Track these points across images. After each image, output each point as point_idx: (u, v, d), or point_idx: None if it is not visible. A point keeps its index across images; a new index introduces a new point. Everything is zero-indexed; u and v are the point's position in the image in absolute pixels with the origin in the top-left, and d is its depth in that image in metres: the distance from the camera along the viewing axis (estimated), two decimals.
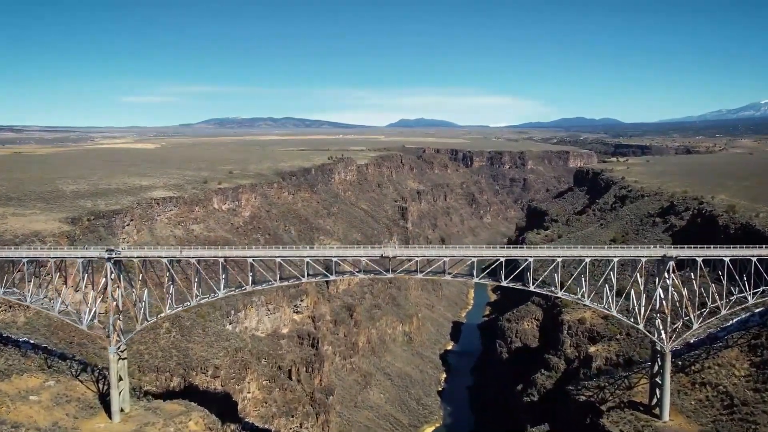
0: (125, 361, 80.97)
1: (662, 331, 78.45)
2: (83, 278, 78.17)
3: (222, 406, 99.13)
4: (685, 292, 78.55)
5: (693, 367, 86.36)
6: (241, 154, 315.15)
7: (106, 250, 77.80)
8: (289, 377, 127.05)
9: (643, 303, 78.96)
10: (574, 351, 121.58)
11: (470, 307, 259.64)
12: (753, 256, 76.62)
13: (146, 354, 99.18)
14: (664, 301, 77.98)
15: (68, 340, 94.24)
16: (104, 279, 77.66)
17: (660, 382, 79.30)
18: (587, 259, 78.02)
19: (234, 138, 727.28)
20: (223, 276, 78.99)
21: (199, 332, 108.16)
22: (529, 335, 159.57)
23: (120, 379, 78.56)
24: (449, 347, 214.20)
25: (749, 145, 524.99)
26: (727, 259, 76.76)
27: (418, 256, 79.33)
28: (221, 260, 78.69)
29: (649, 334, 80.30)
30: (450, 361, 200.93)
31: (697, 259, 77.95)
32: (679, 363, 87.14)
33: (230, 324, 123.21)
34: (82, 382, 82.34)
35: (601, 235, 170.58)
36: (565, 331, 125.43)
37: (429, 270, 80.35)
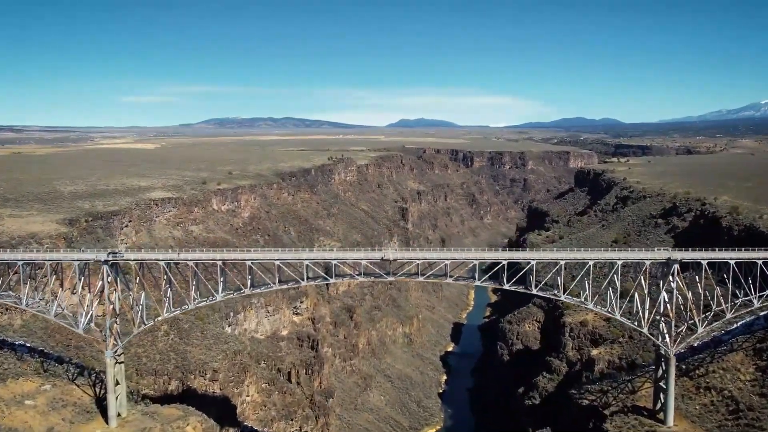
0: (122, 365, 79.96)
1: (666, 335, 77.46)
2: (80, 281, 77.16)
3: (221, 409, 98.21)
4: (689, 295, 77.52)
5: (697, 371, 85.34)
6: (241, 155, 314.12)
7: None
8: (289, 380, 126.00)
9: (647, 306, 77.92)
10: (576, 353, 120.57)
11: (471, 308, 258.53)
12: (759, 258, 75.60)
13: (144, 357, 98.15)
14: (668, 305, 76.97)
15: (65, 343, 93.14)
16: (101, 282, 76.62)
17: (664, 386, 78.29)
18: (590, 262, 76.93)
19: (234, 138, 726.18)
20: (222, 279, 77.99)
21: (197, 335, 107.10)
22: (530, 337, 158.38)
23: (117, 383, 77.53)
24: (450, 349, 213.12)
25: (750, 145, 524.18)
26: (732, 262, 75.74)
27: (419, 259, 78.28)
28: (219, 263, 77.65)
29: (653, 338, 79.28)
30: (450, 363, 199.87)
31: (702, 261, 76.91)
32: (683, 367, 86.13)
33: (229, 326, 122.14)
34: (78, 386, 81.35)
35: (602, 236, 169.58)
36: (567, 334, 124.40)
37: (430, 273, 79.30)
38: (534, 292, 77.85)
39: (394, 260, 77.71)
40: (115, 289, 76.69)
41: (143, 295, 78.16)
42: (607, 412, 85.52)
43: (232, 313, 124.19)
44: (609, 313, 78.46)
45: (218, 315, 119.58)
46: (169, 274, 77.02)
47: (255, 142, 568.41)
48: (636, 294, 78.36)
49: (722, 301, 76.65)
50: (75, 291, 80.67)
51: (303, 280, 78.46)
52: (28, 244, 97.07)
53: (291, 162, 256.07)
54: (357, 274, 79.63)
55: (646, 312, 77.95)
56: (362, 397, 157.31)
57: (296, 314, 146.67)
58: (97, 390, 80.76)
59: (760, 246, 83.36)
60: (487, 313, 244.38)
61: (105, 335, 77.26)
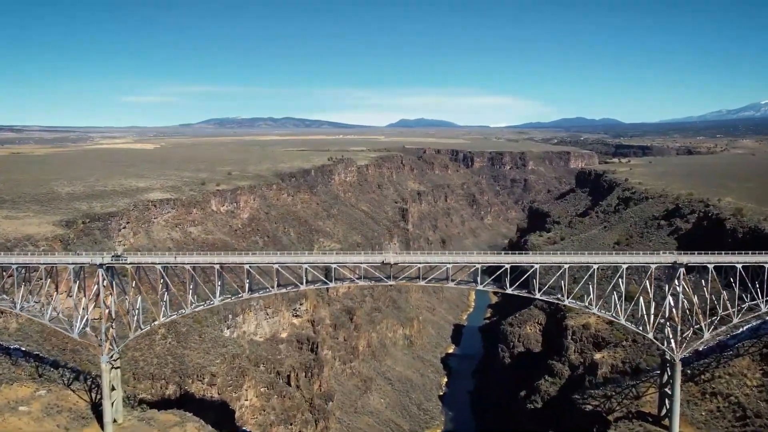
0: (118, 370, 78.66)
1: (672, 340, 76.13)
2: (75, 285, 75.82)
3: (219, 414, 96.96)
4: (695, 299, 76.20)
5: (703, 377, 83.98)
6: (241, 155, 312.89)
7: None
8: (288, 383, 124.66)
9: (652, 311, 76.58)
10: (579, 357, 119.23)
11: (471, 309, 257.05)
12: (766, 263, 74.24)
13: (141, 361, 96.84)
14: (674, 309, 75.63)
15: (61, 347, 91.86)
16: (96, 286, 75.28)
17: (669, 392, 76.98)
18: (595, 266, 75.57)
19: (234, 138, 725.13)
20: (219, 282, 76.60)
21: (195, 338, 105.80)
22: (532, 339, 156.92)
23: (113, 389, 76.29)
24: (450, 350, 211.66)
25: (750, 145, 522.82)
26: (739, 266, 74.39)
27: (420, 263, 76.92)
28: (217, 267, 76.26)
29: (658, 343, 77.94)
30: (451, 365, 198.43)
31: (709, 265, 75.55)
32: (688, 372, 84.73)
33: (228, 329, 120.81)
34: (74, 391, 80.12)
35: (604, 237, 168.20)
36: (569, 337, 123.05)
37: (432, 277, 77.89)
38: (537, 296, 76.43)
39: (395, 264, 76.36)
40: (111, 293, 75.39)
41: (139, 299, 76.79)
42: (611, 417, 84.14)
43: (230, 316, 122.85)
44: (614, 317, 77.09)
45: (217, 318, 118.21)
46: (166, 278, 75.67)
47: (255, 142, 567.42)
48: (641, 298, 76.99)
49: (729, 305, 75.31)
50: (71, 294, 79.36)
51: (302, 284, 77.03)
52: (24, 247, 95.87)
53: (291, 162, 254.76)
54: (357, 278, 78.14)
55: (651, 316, 76.63)
56: (362, 400, 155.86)
57: (296, 316, 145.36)
58: (93, 395, 79.49)
59: (766, 249, 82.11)
60: (488, 315, 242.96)
61: (101, 340, 75.95)
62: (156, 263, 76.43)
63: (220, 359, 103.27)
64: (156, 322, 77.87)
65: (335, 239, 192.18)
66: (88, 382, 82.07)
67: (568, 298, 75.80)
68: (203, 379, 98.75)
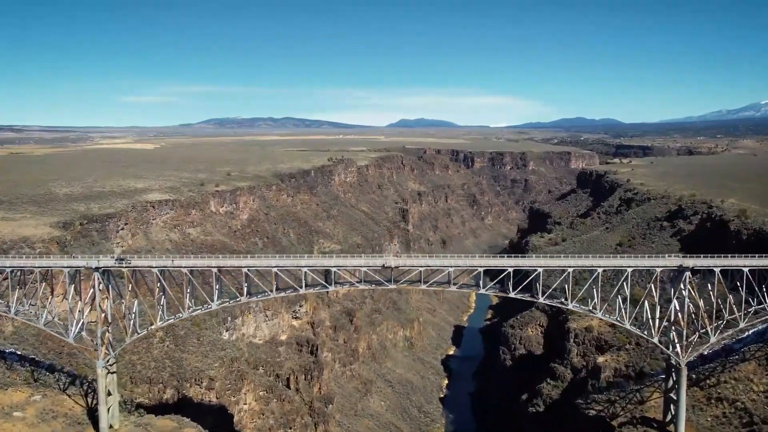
0: (114, 375, 77.41)
1: (677, 344, 74.92)
2: (70, 288, 74.58)
3: (217, 419, 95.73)
4: (701, 303, 74.97)
5: (708, 381, 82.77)
6: (241, 155, 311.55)
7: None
8: (288, 386, 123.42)
9: (657, 314, 75.35)
10: (582, 360, 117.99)
11: (472, 311, 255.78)
12: None
13: (138, 364, 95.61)
14: (679, 313, 74.41)
15: (57, 351, 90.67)
16: (92, 290, 74.01)
17: (675, 397, 75.78)
18: (599, 270, 74.32)
19: (234, 138, 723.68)
20: (217, 286, 75.34)
21: (193, 342, 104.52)
22: (534, 342, 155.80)
23: (109, 393, 75.07)
24: (451, 352, 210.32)
25: (751, 145, 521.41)
26: (746, 269, 73.19)
27: (421, 266, 75.64)
28: (215, 270, 75.00)
29: (662, 347, 76.71)
30: (452, 367, 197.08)
31: (715, 269, 74.31)
32: (693, 376, 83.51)
33: (227, 331, 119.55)
34: (70, 396, 78.85)
35: (606, 239, 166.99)
36: (572, 340, 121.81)
37: (433, 281, 76.65)
38: (541, 300, 75.30)
39: (396, 267, 75.12)
40: (106, 297, 74.13)
41: (135, 303, 75.56)
42: (615, 423, 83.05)
43: (229, 318, 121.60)
44: (619, 321, 75.87)
45: (215, 320, 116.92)
46: (163, 282, 74.44)
47: (255, 142, 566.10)
48: (646, 302, 75.75)
49: (735, 309, 74.08)
50: (66, 297, 78.12)
51: (301, 287, 75.78)
52: (20, 249, 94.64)
53: (290, 163, 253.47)
54: (357, 282, 76.87)
55: (656, 320, 75.42)
56: (362, 402, 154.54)
57: (295, 318, 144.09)
58: (89, 400, 78.19)
59: None
60: (489, 316, 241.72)
61: (97, 344, 74.71)
62: (152, 267, 75.17)
63: (218, 363, 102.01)
64: (153, 327, 76.60)
65: (335, 240, 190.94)
66: (84, 387, 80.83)
67: (572, 302, 74.55)
68: (201, 383, 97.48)
